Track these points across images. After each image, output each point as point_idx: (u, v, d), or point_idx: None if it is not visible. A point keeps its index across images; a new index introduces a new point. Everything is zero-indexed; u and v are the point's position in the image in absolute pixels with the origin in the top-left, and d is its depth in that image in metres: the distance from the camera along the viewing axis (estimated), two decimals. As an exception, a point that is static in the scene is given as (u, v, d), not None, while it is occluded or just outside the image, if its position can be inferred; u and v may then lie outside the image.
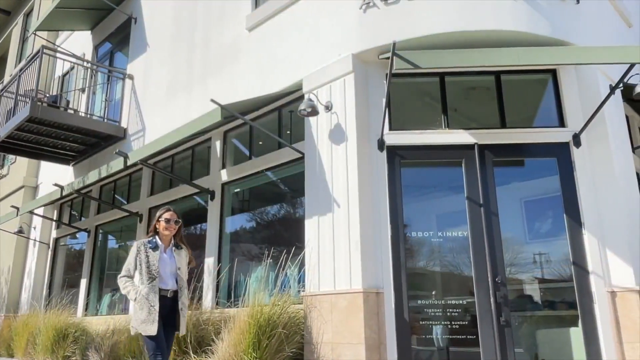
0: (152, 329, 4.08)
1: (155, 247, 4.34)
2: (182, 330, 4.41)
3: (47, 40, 13.24)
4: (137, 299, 4.18)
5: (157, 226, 4.43)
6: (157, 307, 4.15)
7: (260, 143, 7.07)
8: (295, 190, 6.47)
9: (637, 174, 6.35)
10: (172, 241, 4.46)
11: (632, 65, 4.47)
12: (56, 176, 11.20)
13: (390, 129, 5.52)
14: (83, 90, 11.25)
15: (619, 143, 5.45)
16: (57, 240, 11.71)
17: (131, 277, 4.30)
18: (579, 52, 4.97)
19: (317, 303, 5.19)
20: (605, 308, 4.79)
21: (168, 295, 4.28)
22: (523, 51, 4.81)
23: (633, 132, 6.94)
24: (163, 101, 8.71)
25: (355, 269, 4.99)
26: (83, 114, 10.47)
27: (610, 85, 5.18)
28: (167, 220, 4.38)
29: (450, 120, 5.54)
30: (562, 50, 4.99)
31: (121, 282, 4.31)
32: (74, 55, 10.81)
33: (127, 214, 9.03)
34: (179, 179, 7.91)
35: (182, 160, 8.48)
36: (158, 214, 4.46)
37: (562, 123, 5.41)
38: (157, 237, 4.42)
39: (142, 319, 4.12)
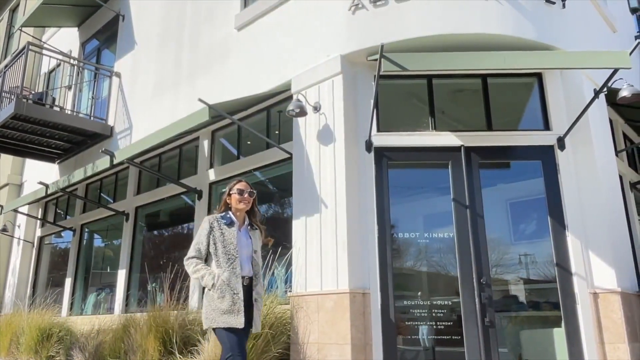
0: (239, 321, 3.45)
1: (230, 224, 3.70)
2: (258, 327, 3.72)
3: (33, 36, 13.07)
4: (217, 285, 3.51)
5: (228, 201, 3.79)
6: (241, 295, 3.51)
7: (249, 143, 7.06)
8: (283, 190, 6.47)
9: (620, 177, 6.46)
10: (247, 219, 3.84)
11: (616, 70, 4.53)
12: (41, 174, 11.08)
13: (378, 130, 5.54)
14: (69, 87, 11.13)
15: (602, 146, 5.53)
16: (41, 238, 11.57)
17: (202, 258, 3.65)
18: (564, 56, 5.04)
19: (304, 303, 5.20)
20: (588, 309, 4.86)
21: (244, 283, 3.61)
22: (509, 55, 4.88)
23: (617, 136, 7.05)
24: (150, 100, 8.65)
25: (342, 269, 5.01)
26: (69, 112, 10.35)
27: (595, 89, 5.25)
28: (241, 192, 3.74)
29: (438, 122, 5.58)
30: (547, 54, 5.05)
31: (190, 264, 3.63)
32: (60, 52, 10.71)
33: (113, 212, 8.96)
34: (166, 178, 7.87)
35: (170, 159, 8.44)
36: (228, 187, 3.82)
37: (547, 126, 5.47)
38: (230, 212, 3.79)
39: (224, 310, 3.46)
